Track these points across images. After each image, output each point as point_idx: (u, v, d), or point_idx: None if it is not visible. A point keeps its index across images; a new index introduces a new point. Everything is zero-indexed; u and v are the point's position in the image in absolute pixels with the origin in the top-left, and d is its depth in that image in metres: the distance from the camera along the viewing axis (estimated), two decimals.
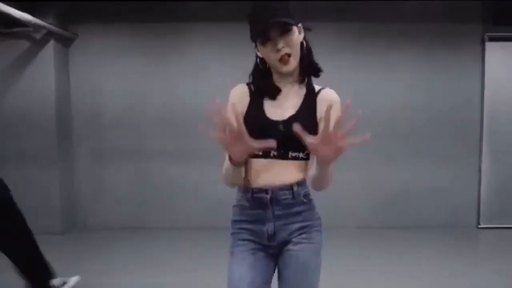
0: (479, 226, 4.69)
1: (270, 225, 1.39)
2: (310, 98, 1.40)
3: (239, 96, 1.42)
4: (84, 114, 4.68)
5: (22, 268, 2.56)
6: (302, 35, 1.37)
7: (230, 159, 1.26)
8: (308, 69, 1.41)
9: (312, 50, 1.42)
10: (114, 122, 4.67)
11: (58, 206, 4.39)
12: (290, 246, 1.39)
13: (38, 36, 4.29)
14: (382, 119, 4.56)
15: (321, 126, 1.12)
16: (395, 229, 4.58)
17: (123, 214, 4.71)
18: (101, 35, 4.65)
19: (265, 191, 1.37)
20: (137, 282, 3.23)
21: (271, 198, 1.37)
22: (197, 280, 3.25)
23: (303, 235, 1.40)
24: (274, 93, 1.39)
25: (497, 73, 4.60)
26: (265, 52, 1.35)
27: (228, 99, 1.41)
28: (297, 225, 1.40)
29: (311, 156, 1.33)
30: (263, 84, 1.40)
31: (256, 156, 1.35)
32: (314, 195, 1.45)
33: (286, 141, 1.32)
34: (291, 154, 1.35)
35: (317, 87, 1.42)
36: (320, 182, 1.29)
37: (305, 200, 1.41)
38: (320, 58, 1.44)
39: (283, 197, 1.37)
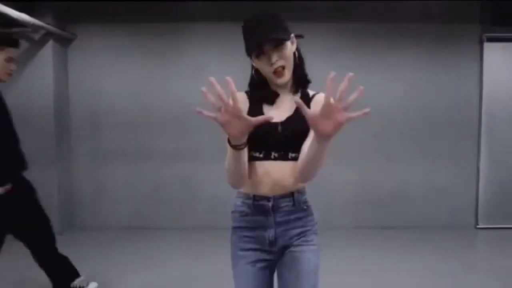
0: (478, 226, 4.70)
1: (272, 231, 1.42)
2: (305, 102, 1.40)
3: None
4: (83, 114, 4.68)
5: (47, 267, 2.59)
6: (295, 45, 1.40)
7: (230, 143, 1.22)
8: (301, 80, 1.44)
9: (304, 60, 1.45)
10: (113, 122, 4.66)
11: (56, 206, 4.38)
12: (291, 249, 1.43)
13: (36, 36, 4.28)
14: (382, 119, 4.57)
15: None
16: (393, 229, 4.59)
17: (122, 214, 4.71)
18: (100, 35, 4.64)
19: (267, 198, 1.40)
20: (137, 282, 3.23)
21: (272, 206, 1.40)
22: (197, 280, 3.25)
23: (303, 238, 1.43)
24: (272, 98, 1.42)
25: (495, 73, 4.63)
26: (259, 65, 1.37)
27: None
28: (297, 230, 1.43)
29: (303, 145, 1.33)
30: (261, 92, 1.43)
31: (257, 158, 1.37)
32: (313, 196, 1.47)
33: (286, 142, 1.35)
34: (290, 155, 1.37)
35: (311, 92, 1.46)
36: (311, 166, 1.26)
37: (304, 207, 1.45)
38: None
39: (284, 204, 1.41)
